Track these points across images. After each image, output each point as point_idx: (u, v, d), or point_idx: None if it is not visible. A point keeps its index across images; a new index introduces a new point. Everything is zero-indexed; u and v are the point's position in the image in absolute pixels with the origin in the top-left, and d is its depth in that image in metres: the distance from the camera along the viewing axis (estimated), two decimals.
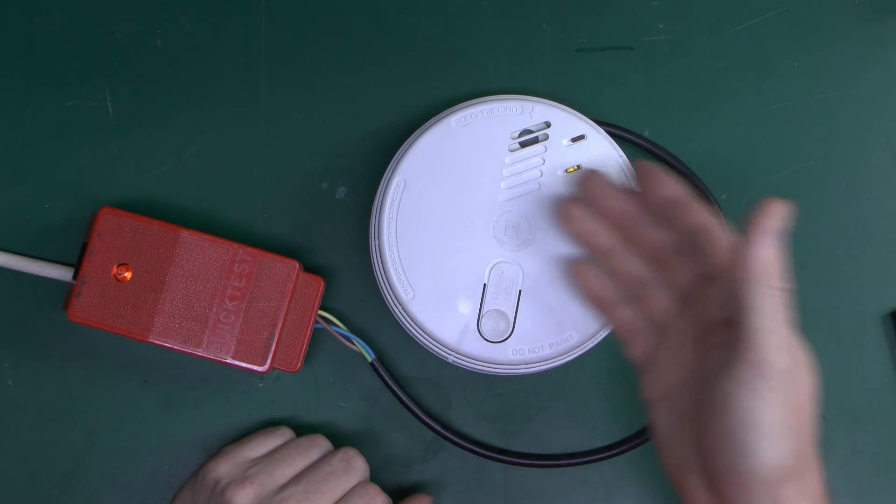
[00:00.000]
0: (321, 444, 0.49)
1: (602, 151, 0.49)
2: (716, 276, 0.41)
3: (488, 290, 0.48)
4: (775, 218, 0.38)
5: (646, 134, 0.54)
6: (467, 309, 0.48)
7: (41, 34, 0.53)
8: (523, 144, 0.49)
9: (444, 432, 0.51)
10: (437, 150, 0.49)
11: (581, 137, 0.49)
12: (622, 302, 0.45)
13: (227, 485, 0.45)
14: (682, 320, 0.43)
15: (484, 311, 0.48)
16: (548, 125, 0.49)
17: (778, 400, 0.38)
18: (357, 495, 0.46)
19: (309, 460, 0.48)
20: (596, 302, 0.46)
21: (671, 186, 0.42)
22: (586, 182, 0.45)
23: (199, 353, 0.48)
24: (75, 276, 0.48)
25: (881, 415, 0.52)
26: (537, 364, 0.48)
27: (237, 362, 0.48)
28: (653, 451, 0.53)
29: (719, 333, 0.41)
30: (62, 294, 0.50)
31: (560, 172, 0.49)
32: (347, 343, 0.51)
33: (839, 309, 0.54)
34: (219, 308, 0.48)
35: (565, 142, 0.49)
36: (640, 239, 0.44)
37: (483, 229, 0.48)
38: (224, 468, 0.47)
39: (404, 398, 0.51)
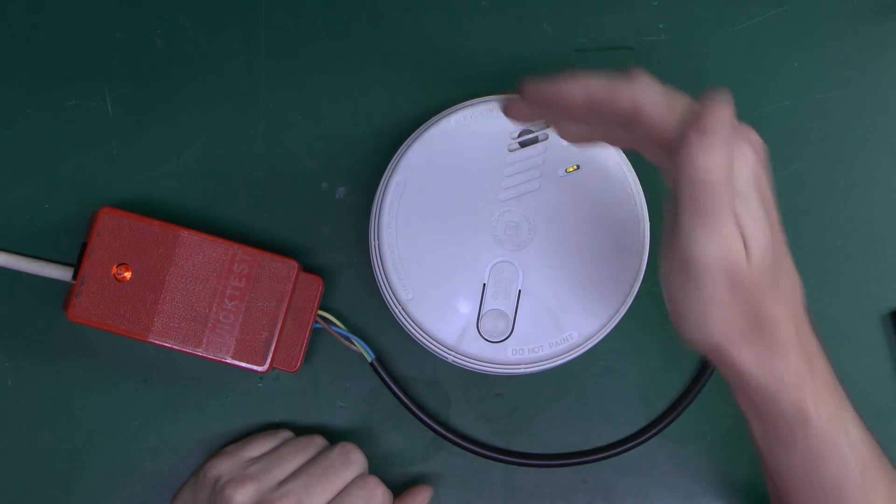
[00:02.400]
0: (318, 443, 0.49)
1: (602, 151, 0.49)
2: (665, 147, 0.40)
3: (488, 290, 0.48)
4: (718, 116, 0.36)
5: None
6: (467, 309, 0.48)
7: (41, 34, 0.53)
8: (523, 144, 0.49)
9: (443, 432, 0.51)
10: (437, 150, 0.49)
11: None
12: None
13: (226, 482, 0.45)
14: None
15: (483, 311, 0.48)
16: (548, 125, 0.49)
17: (702, 289, 0.38)
18: (357, 487, 0.47)
19: (308, 457, 0.48)
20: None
21: (575, 88, 0.41)
22: (528, 90, 0.44)
23: (199, 353, 0.48)
24: (75, 276, 0.48)
25: (881, 415, 0.52)
26: (537, 364, 0.48)
27: (237, 362, 0.48)
28: (652, 452, 0.53)
29: (672, 197, 0.39)
30: (62, 294, 0.50)
31: (560, 172, 0.49)
32: (347, 343, 0.51)
33: (839, 309, 0.54)
34: (218, 308, 0.48)
35: (565, 142, 0.49)
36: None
37: (483, 229, 0.48)
38: (224, 466, 0.47)
39: (404, 398, 0.51)
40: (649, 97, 0.39)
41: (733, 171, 0.37)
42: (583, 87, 0.41)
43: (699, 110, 0.37)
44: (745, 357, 0.39)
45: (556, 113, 0.44)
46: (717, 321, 0.38)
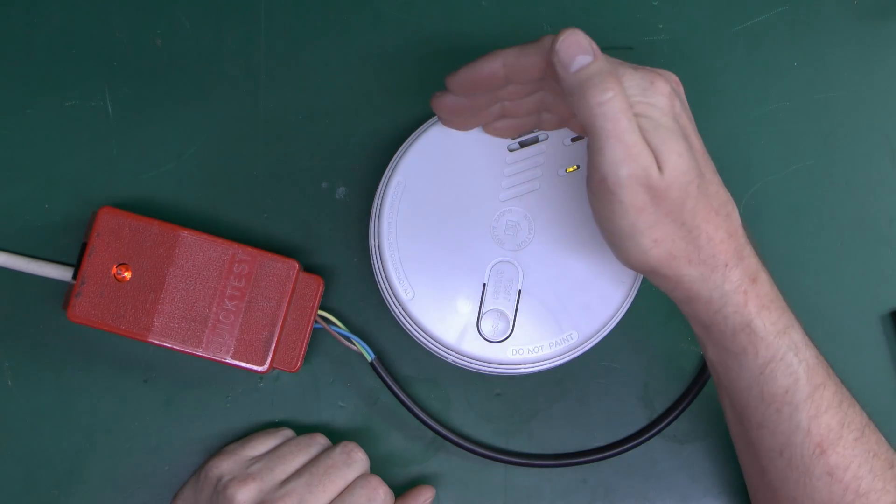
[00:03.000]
0: (320, 441, 0.49)
1: None
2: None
3: (488, 290, 0.48)
4: (570, 43, 0.39)
5: None
6: (467, 309, 0.48)
7: (41, 34, 0.53)
8: (523, 144, 0.49)
9: (443, 432, 0.51)
10: (437, 150, 0.49)
11: (581, 137, 0.49)
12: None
13: (228, 482, 0.45)
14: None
15: (484, 311, 0.48)
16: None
17: (625, 207, 0.39)
18: (360, 486, 0.47)
19: (310, 456, 0.48)
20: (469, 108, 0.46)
21: (485, 66, 0.43)
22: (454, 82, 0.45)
23: (199, 353, 0.48)
24: (75, 276, 0.48)
25: (881, 415, 0.52)
26: (537, 364, 0.48)
27: (237, 362, 0.48)
28: (652, 452, 0.53)
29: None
30: (62, 294, 0.50)
31: (560, 172, 0.49)
32: (347, 343, 0.51)
33: (839, 309, 0.54)
34: (218, 308, 0.48)
35: (565, 141, 0.49)
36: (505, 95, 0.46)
37: (483, 229, 0.48)
38: (226, 466, 0.47)
39: (404, 398, 0.51)
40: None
41: (624, 95, 0.39)
42: (499, 59, 0.43)
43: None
44: (690, 274, 0.41)
45: (481, 98, 0.45)
46: (649, 241, 0.40)
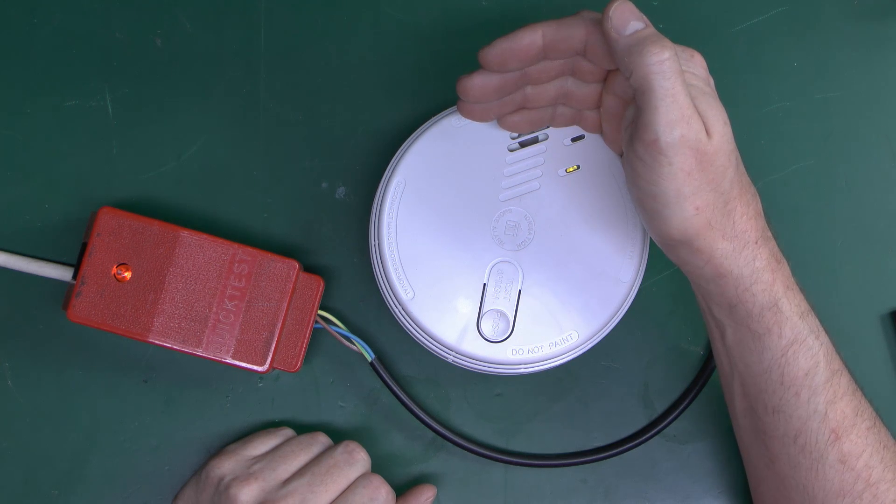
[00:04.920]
0: (322, 441, 0.49)
1: (602, 151, 0.49)
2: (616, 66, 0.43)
3: (488, 290, 0.48)
4: (623, 10, 0.40)
5: None
6: (467, 309, 0.48)
7: (41, 34, 0.53)
8: (523, 144, 0.49)
9: (443, 432, 0.51)
10: (437, 150, 0.49)
11: (581, 137, 0.49)
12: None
13: (231, 481, 0.45)
14: (608, 100, 0.45)
15: (483, 311, 0.48)
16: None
17: (674, 171, 0.40)
18: (361, 486, 0.47)
19: (311, 455, 0.48)
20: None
21: (524, 38, 0.43)
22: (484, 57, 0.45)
23: (199, 353, 0.48)
24: (75, 276, 0.48)
25: (881, 415, 0.52)
26: (537, 364, 0.48)
27: (237, 362, 0.48)
28: (652, 452, 0.53)
29: (631, 110, 0.43)
30: (62, 294, 0.50)
31: (560, 172, 0.49)
32: (347, 343, 0.51)
33: (839, 309, 0.54)
34: (218, 308, 0.48)
35: (565, 141, 0.49)
36: (541, 72, 0.45)
37: (483, 229, 0.48)
38: (228, 465, 0.47)
39: (404, 398, 0.51)
40: (596, 24, 0.42)
41: (679, 59, 0.39)
42: (539, 30, 0.43)
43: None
44: (723, 248, 0.42)
45: (510, 78, 0.45)
46: (692, 208, 0.40)
